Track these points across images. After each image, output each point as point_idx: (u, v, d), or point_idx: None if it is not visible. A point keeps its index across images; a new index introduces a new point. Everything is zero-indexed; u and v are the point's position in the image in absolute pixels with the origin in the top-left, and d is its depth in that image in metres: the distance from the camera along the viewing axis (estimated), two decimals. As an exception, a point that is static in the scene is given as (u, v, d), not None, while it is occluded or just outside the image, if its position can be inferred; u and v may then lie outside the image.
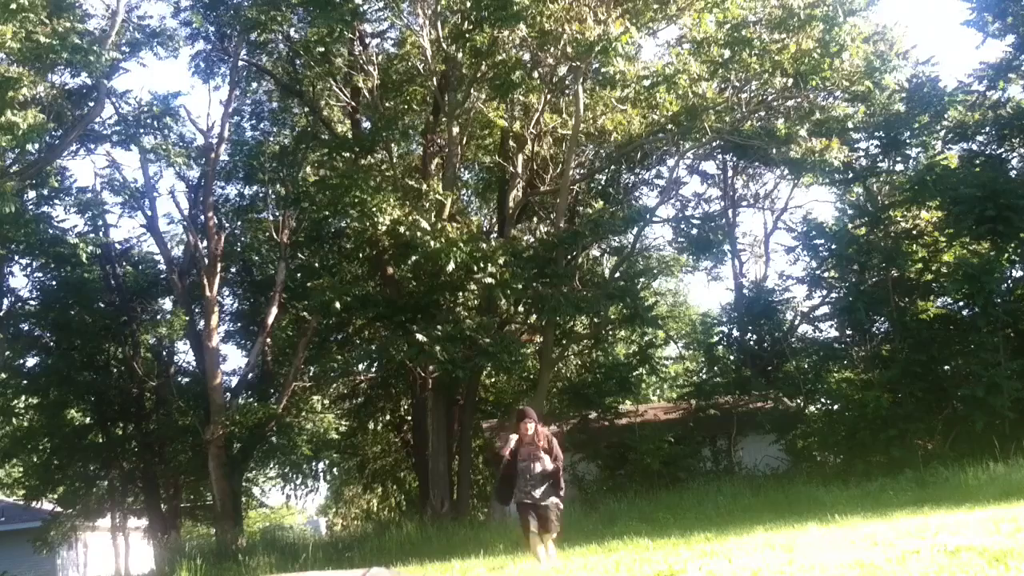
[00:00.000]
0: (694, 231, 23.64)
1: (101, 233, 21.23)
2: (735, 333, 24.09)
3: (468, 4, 17.09)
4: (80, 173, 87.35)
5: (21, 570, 21.12)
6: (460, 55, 17.93)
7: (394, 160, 20.08)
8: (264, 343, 20.96)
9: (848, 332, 20.73)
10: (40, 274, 21.62)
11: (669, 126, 18.21)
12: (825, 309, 22.28)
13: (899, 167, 20.49)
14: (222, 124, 20.28)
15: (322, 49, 18.96)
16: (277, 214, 21.06)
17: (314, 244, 21.59)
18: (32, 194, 18.18)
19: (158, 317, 24.08)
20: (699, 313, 32.10)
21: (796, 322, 24.01)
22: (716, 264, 25.78)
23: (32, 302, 21.93)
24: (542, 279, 17.58)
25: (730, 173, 25.01)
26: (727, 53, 17.01)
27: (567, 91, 19.46)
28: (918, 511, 9.93)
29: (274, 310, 19.89)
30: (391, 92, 20.56)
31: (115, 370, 23.12)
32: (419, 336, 16.02)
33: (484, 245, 16.93)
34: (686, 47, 18.09)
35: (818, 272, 21.14)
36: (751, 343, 23.50)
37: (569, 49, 16.61)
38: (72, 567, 26.43)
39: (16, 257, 19.90)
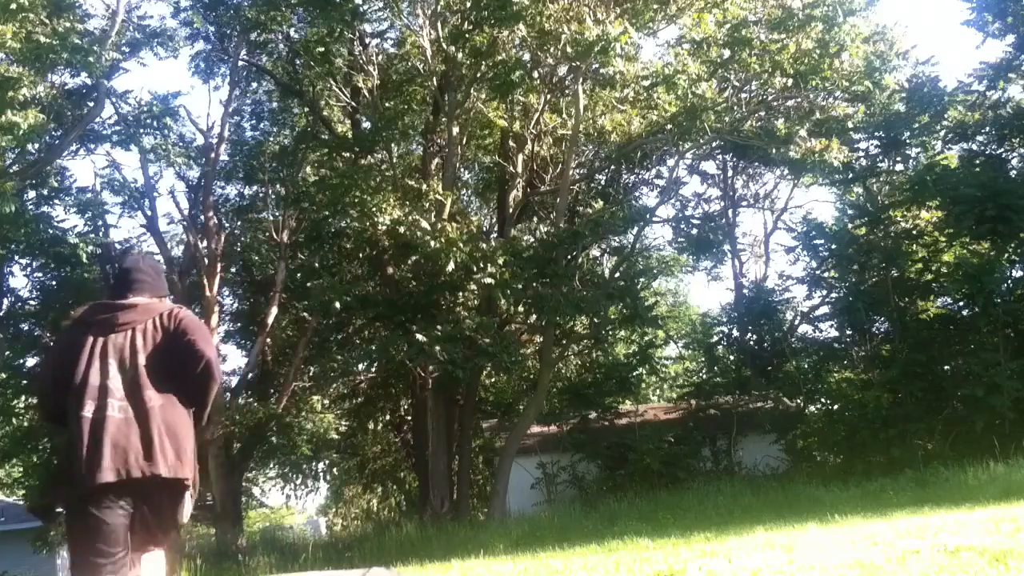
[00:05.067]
0: (694, 231, 23.67)
1: (101, 233, 21.20)
2: (735, 333, 24.11)
3: (468, 4, 17.09)
4: (80, 173, 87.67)
5: (21, 570, 21.09)
6: (460, 55, 17.93)
7: (394, 160, 20.08)
8: (264, 343, 20.96)
9: (848, 332, 20.73)
10: (40, 274, 21.58)
11: (668, 126, 18.22)
12: (825, 309, 22.31)
13: (899, 167, 20.52)
14: (222, 124, 20.31)
15: (322, 49, 18.97)
16: (277, 214, 21.06)
17: (314, 244, 21.59)
18: (32, 194, 18.17)
19: (158, 317, 24.05)
20: (699, 313, 32.12)
21: (796, 322, 24.02)
22: (716, 264, 25.83)
23: (32, 302, 21.90)
24: (542, 279, 17.58)
25: (730, 173, 25.05)
26: (727, 53, 17.01)
27: (567, 91, 19.47)
28: (918, 511, 9.92)
29: (274, 310, 19.89)
30: (391, 92, 20.57)
31: (115, 370, 23.11)
32: (419, 336, 16.02)
33: (484, 245, 16.94)
34: (686, 47, 18.10)
35: (818, 272, 21.16)
36: (751, 343, 23.51)
37: (569, 49, 16.62)
38: (72, 567, 26.43)
39: (16, 257, 19.87)
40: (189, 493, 3.56)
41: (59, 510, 3.53)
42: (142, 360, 3.54)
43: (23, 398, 23.56)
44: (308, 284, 19.41)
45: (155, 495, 3.45)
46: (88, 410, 3.42)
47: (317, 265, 20.92)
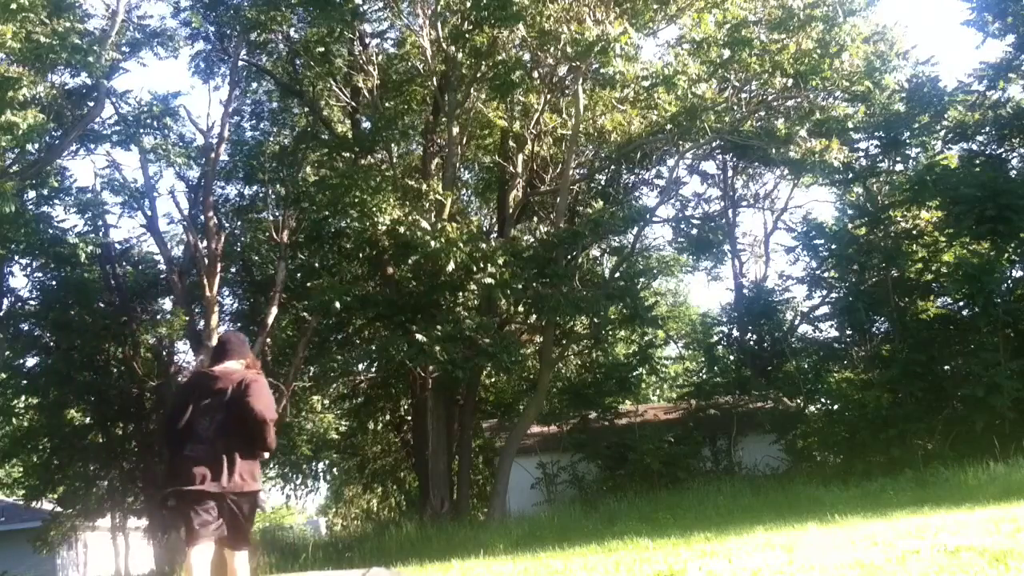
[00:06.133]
0: (694, 231, 23.67)
1: (101, 233, 21.18)
2: (735, 333, 24.11)
3: (468, 4, 17.09)
4: (80, 173, 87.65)
5: (21, 570, 21.10)
6: (460, 55, 17.93)
7: (394, 160, 20.07)
8: (264, 343, 20.93)
9: (848, 332, 20.73)
10: (40, 274, 21.58)
11: (668, 126, 18.23)
12: (825, 309, 22.31)
13: (899, 167, 20.52)
14: (222, 124, 20.26)
15: (322, 49, 18.98)
16: (277, 214, 21.03)
17: (314, 244, 21.57)
18: (32, 194, 18.12)
19: (158, 317, 24.06)
20: (699, 313, 32.11)
21: (796, 322, 24.01)
22: (716, 264, 25.82)
23: (32, 302, 21.88)
24: (542, 279, 17.58)
25: (730, 173, 25.03)
26: (727, 53, 17.01)
27: (567, 91, 19.47)
28: (918, 511, 9.92)
29: (274, 310, 19.86)
30: (391, 92, 20.57)
31: (115, 370, 23.09)
32: (419, 336, 16.02)
33: (484, 245, 16.93)
34: (686, 47, 18.10)
35: (818, 272, 21.16)
36: (751, 343, 23.50)
37: (569, 49, 16.62)
38: (72, 567, 26.43)
39: (16, 257, 19.84)
40: (257, 495, 5.45)
41: (171, 504, 5.30)
42: (223, 416, 5.29)
43: (23, 398, 23.56)
44: (308, 284, 19.40)
45: (228, 502, 5.23)
46: (188, 449, 5.24)
47: (317, 265, 20.90)
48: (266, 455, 5.54)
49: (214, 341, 19.33)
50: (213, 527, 5.18)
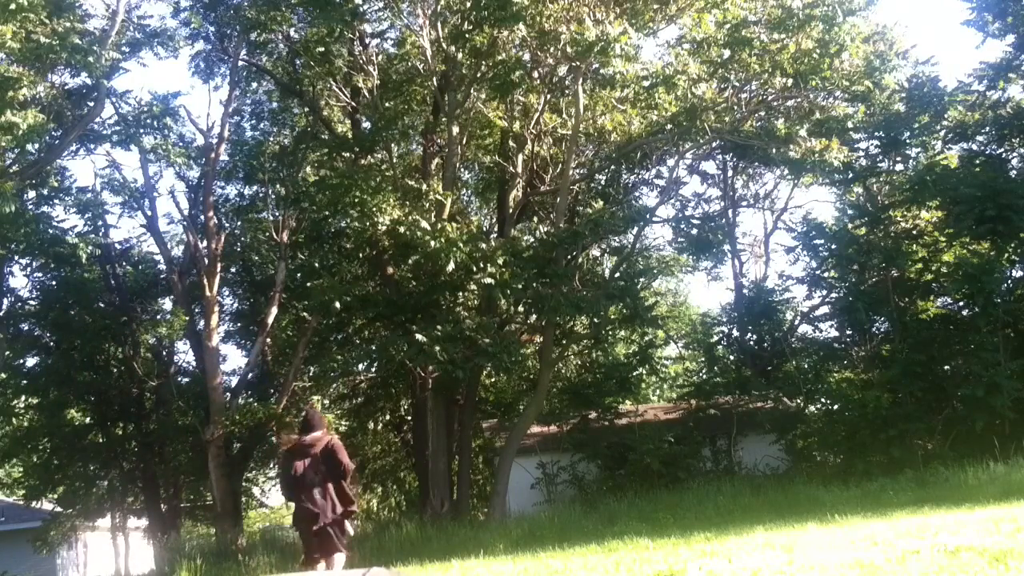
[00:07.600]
0: (694, 231, 23.64)
1: (101, 233, 21.20)
2: (735, 333, 24.10)
3: (468, 4, 17.08)
4: (80, 173, 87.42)
5: (21, 570, 21.09)
6: (460, 55, 17.92)
7: (394, 160, 20.07)
8: (264, 343, 20.96)
9: (848, 332, 20.72)
10: (40, 274, 21.61)
11: (668, 126, 18.22)
12: (825, 309, 22.30)
13: (899, 167, 20.52)
14: (222, 124, 20.29)
15: (322, 49, 18.97)
16: (277, 214, 21.05)
17: (314, 244, 21.59)
18: (32, 194, 18.15)
19: (158, 317, 24.06)
20: (699, 313, 32.10)
21: (796, 322, 24.01)
22: (716, 264, 25.77)
23: (32, 302, 21.91)
24: (542, 279, 17.57)
25: (730, 173, 25.00)
26: (727, 53, 17.01)
27: (567, 91, 19.46)
28: (918, 511, 9.93)
29: (274, 310, 19.89)
30: (391, 92, 20.56)
31: (115, 370, 23.10)
32: (419, 336, 16.02)
33: (484, 245, 16.92)
34: (686, 47, 18.10)
35: (818, 272, 21.15)
36: (751, 343, 23.49)
37: (569, 49, 16.62)
38: (72, 567, 26.43)
39: (16, 257, 19.86)
40: (348, 521, 7.94)
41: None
42: (322, 469, 7.77)
43: (23, 398, 23.56)
44: (308, 284, 19.39)
45: (333, 527, 7.70)
46: (304, 497, 7.74)
47: (317, 265, 20.90)
48: (350, 488, 7.96)
49: (213, 341, 19.51)
50: (325, 545, 7.70)
